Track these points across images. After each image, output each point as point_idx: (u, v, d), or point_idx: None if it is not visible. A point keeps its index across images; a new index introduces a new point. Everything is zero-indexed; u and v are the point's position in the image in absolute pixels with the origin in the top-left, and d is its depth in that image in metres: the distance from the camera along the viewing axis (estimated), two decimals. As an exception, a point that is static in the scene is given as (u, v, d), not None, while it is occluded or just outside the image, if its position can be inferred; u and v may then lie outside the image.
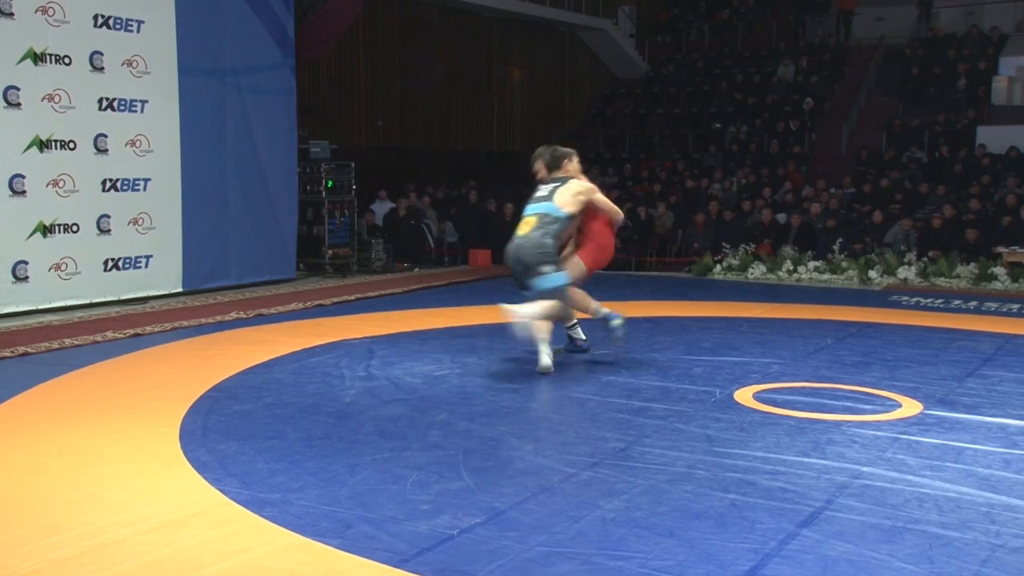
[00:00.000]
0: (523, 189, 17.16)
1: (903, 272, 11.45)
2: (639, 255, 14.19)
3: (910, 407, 5.19)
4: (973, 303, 9.71)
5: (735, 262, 12.53)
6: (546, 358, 5.94)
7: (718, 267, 12.59)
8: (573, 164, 6.46)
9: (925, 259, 11.77)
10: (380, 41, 16.84)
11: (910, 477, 3.94)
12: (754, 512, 3.51)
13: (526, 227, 6.14)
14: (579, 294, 6.33)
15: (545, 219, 6.08)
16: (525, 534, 3.28)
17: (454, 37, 18.08)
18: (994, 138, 16.08)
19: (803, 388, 5.70)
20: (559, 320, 6.35)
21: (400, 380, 5.81)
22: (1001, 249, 11.48)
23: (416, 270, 12.44)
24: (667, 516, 3.48)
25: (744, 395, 5.45)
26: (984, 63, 18.37)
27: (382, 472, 3.98)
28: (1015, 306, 9.46)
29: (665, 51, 22.79)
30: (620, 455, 4.26)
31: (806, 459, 4.20)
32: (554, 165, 6.45)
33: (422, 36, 17.57)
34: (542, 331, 5.97)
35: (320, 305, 9.07)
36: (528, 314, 5.86)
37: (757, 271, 12.30)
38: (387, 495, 3.69)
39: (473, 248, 13.57)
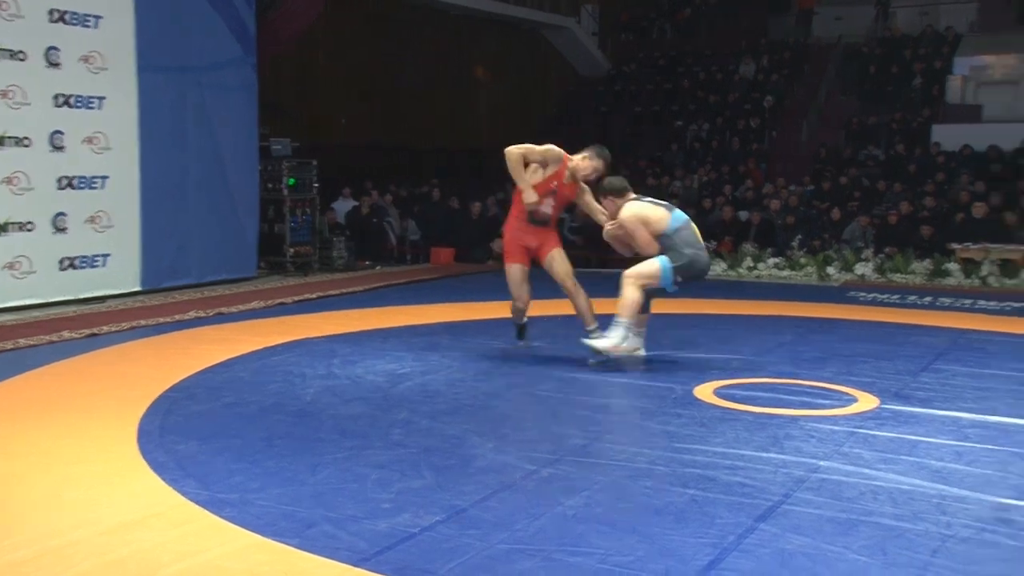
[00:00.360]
0: (490, 187, 17.23)
1: (860, 268, 11.60)
2: (600, 252, 14.23)
3: (866, 401, 5.27)
4: (928, 298, 9.87)
5: (697, 259, 12.60)
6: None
7: (680, 264, 12.65)
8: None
9: (882, 255, 11.94)
10: (344, 38, 16.75)
11: (865, 470, 4.00)
12: (713, 507, 3.55)
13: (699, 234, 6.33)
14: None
15: None
16: (486, 531, 3.29)
17: (419, 35, 18.02)
18: (948, 136, 16.33)
19: (762, 384, 5.76)
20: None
21: (362, 378, 5.79)
22: (955, 245, 11.67)
23: (378, 268, 12.41)
24: (627, 512, 3.50)
25: (704, 391, 5.50)
26: (939, 62, 18.64)
27: (343, 471, 3.97)
28: (968, 301, 9.63)
29: (628, 49, 22.87)
30: (581, 452, 4.28)
31: (765, 454, 4.25)
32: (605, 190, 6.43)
33: (386, 34, 17.50)
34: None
35: (281, 304, 9.02)
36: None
37: (718, 268, 12.39)
38: (348, 494, 3.68)
39: (435, 246, 13.56)
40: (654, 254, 6.17)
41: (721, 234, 13.35)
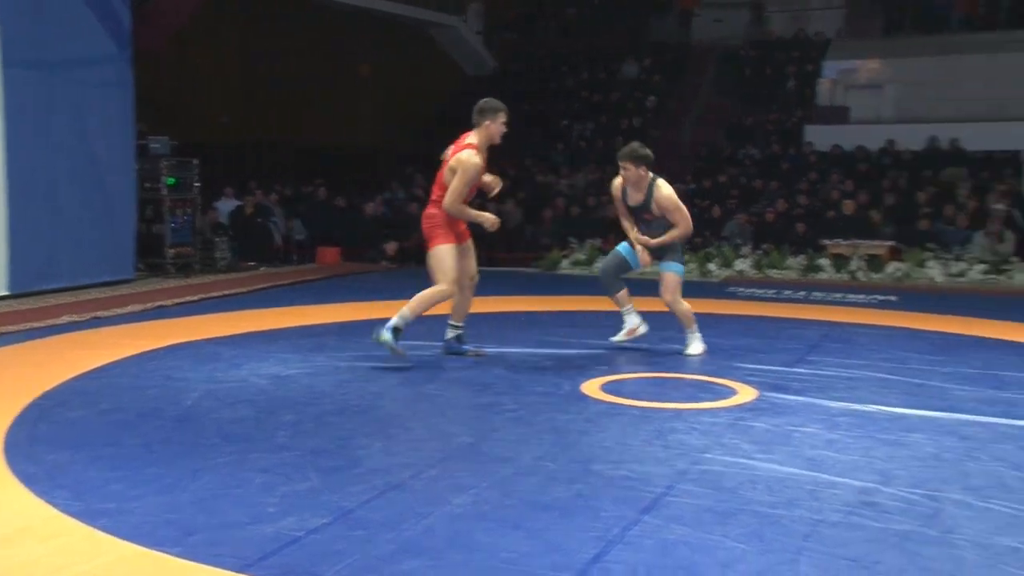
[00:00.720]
0: (378, 185, 17.06)
1: (739, 264, 11.97)
2: (488, 250, 14.28)
3: (746, 393, 5.43)
4: (802, 293, 10.26)
5: (582, 256, 12.81)
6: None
7: (565, 261, 12.84)
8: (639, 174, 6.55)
9: (759, 252, 12.34)
10: (226, 35, 16.37)
11: (744, 460, 4.13)
12: (599, 501, 3.60)
13: None
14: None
15: None
16: (373, 532, 3.26)
17: (303, 32, 17.72)
18: (820, 136, 17.02)
19: (647, 378, 5.88)
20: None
21: (246, 381, 5.67)
22: (826, 241, 12.16)
23: (263, 269, 12.16)
24: (514, 509, 3.53)
25: (591, 387, 5.58)
26: (810, 66, 19.37)
27: (226, 476, 3.87)
28: (838, 295, 10.05)
29: (514, 48, 23.01)
30: (469, 450, 4.28)
31: (649, 447, 4.33)
32: (641, 160, 6.51)
33: (270, 31, 17.16)
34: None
35: (161, 306, 8.75)
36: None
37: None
38: (231, 499, 3.59)
39: (322, 246, 13.37)
40: (679, 240, 6.53)
41: (605, 232, 13.54)
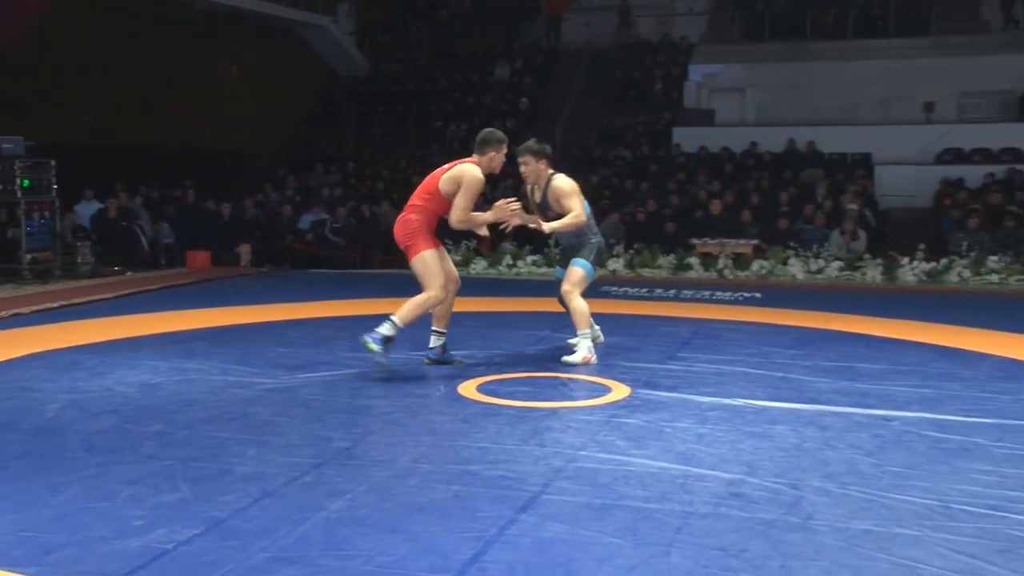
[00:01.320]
0: (249, 188, 16.63)
1: (612, 264, 12.18)
2: (364, 253, 14.15)
3: (619, 391, 5.54)
4: (672, 291, 10.52)
5: (457, 258, 12.79)
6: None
7: (442, 263, 12.79)
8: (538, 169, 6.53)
9: (632, 251, 12.60)
10: (86, 33, 15.68)
11: (618, 457, 4.21)
12: (476, 501, 3.61)
13: None
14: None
15: None
16: (247, 541, 3.19)
17: (167, 30, 17.14)
18: (687, 138, 17.52)
19: (524, 378, 5.93)
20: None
21: (111, 390, 5.45)
22: (695, 241, 12.51)
23: (128, 274, 11.70)
24: (391, 512, 3.50)
25: (468, 388, 5.59)
26: (677, 69, 19.93)
27: (90, 490, 3.71)
28: (707, 292, 10.36)
29: (386, 50, 22.85)
30: (345, 454, 4.23)
31: (525, 447, 4.37)
32: (540, 153, 6.50)
33: (132, 28, 16.54)
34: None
35: (18, 314, 8.32)
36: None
37: (479, 266, 12.64)
38: (95, 514, 3.45)
39: (191, 250, 12.97)
40: (582, 221, 6.31)
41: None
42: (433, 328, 6.31)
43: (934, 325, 8.15)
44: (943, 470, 4.03)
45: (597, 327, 6.74)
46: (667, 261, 12.29)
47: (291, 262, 13.81)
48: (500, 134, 6.17)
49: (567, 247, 6.69)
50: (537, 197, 6.56)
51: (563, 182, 6.43)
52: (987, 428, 4.71)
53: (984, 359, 6.63)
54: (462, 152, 19.44)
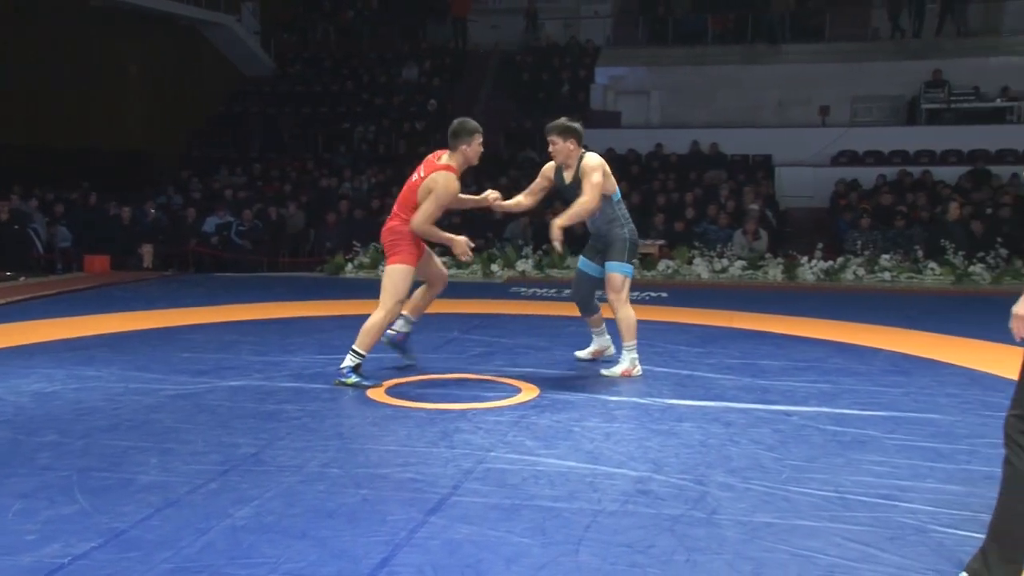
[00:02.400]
0: (144, 190, 16.16)
1: (521, 265, 12.25)
2: (271, 256, 13.93)
3: (529, 391, 5.56)
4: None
5: (366, 260, 12.71)
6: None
7: (350, 265, 12.71)
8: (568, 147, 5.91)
9: (540, 252, 12.68)
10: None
11: (528, 457, 4.23)
12: (385, 505, 3.58)
13: None
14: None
15: None
16: (148, 552, 3.10)
17: (64, 27, 16.57)
18: (595, 140, 17.53)
19: (433, 380, 5.90)
20: None
21: (2, 400, 5.24)
22: (603, 241, 12.63)
23: (22, 279, 11.28)
24: (299, 518, 3.45)
25: (377, 391, 5.54)
26: (583, 72, 20.13)
27: (-20, 505, 3.56)
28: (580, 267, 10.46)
29: (292, 49, 22.53)
30: (252, 460, 4.15)
31: (435, 449, 4.35)
32: (568, 133, 5.90)
33: (26, 24, 15.93)
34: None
35: (-97, 322, 7.93)
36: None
37: (389, 268, 12.53)
38: (-14, 530, 3.31)
39: (89, 254, 12.57)
40: (592, 207, 5.71)
41: (391, 235, 13.49)
42: (402, 313, 6.02)
43: (832, 322, 8.41)
44: (840, 462, 4.16)
45: (608, 337, 6.38)
46: (575, 262, 12.39)
47: (195, 266, 13.51)
48: (471, 123, 5.84)
49: (596, 236, 6.00)
50: (567, 178, 5.96)
51: (592, 159, 5.81)
52: (880, 421, 4.89)
53: (877, 354, 6.88)
54: (371, 155, 19.28)
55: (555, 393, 5.52)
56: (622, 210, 5.90)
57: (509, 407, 5.20)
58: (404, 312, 6.03)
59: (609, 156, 17.10)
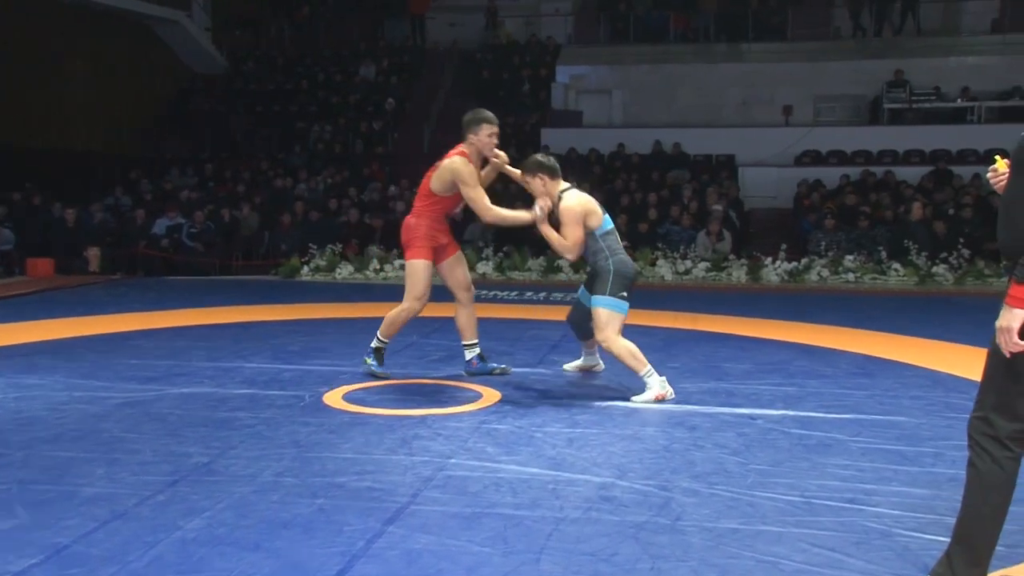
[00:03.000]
0: (91, 191, 15.92)
1: (482, 267, 12.22)
2: (223, 258, 13.78)
3: (490, 396, 5.54)
4: (543, 294, 10.64)
5: (323, 263, 12.63)
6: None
7: (306, 268, 12.61)
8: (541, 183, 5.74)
9: (501, 254, 12.67)
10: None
11: (489, 464, 4.20)
12: (342, 514, 3.54)
13: None
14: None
15: None
16: (92, 568, 3.03)
17: (5, 22, 16.25)
18: (556, 139, 17.73)
19: (392, 386, 5.87)
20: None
21: (-59, 411, 5.11)
22: (565, 243, 12.65)
23: (-38, 283, 11.06)
24: (253, 529, 3.40)
25: (334, 397, 5.49)
26: (544, 70, 20.16)
27: (-85, 521, 3.47)
28: (576, 295, 10.48)
29: (245, 47, 22.33)
30: (203, 470, 4.09)
31: (394, 456, 4.32)
32: (533, 168, 5.75)
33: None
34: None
35: None
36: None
37: (345, 271, 12.49)
38: (-78, 547, 3.22)
39: (32, 257, 12.35)
40: (570, 257, 5.70)
41: (347, 237, 13.43)
42: (463, 344, 6.16)
43: (796, 324, 8.49)
44: (805, 466, 4.19)
45: (596, 359, 6.26)
46: (537, 264, 12.40)
47: (144, 269, 13.33)
48: (482, 112, 5.80)
49: (591, 266, 5.85)
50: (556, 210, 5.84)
51: (567, 203, 5.64)
52: (845, 424, 4.93)
53: (842, 356, 6.95)
54: (327, 155, 19.18)
55: (517, 398, 5.50)
56: (607, 242, 5.69)
57: (469, 413, 5.17)
58: (463, 343, 6.16)
59: (570, 156, 17.20)
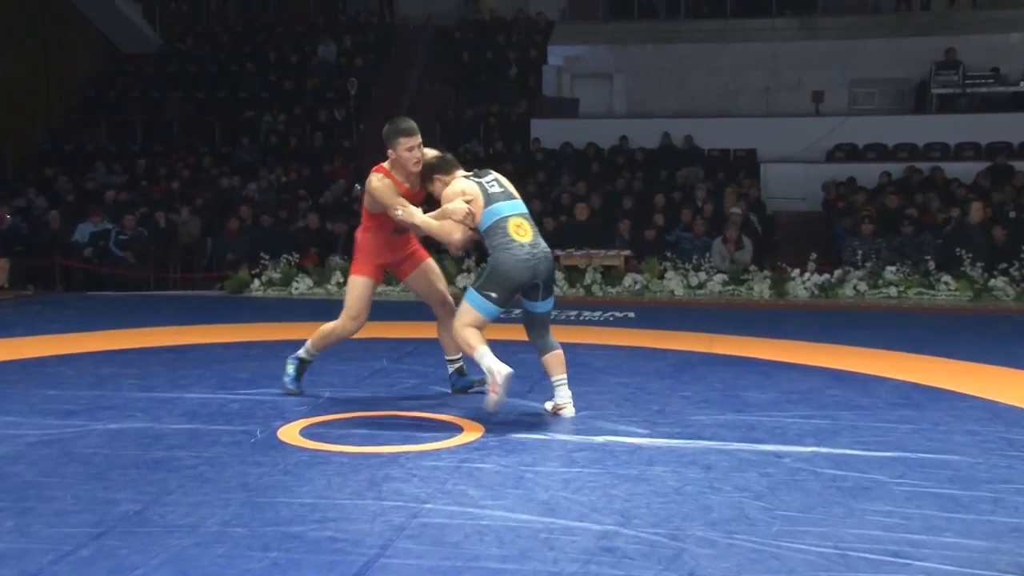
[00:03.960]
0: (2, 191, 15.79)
1: (463, 281, 12.25)
2: (159, 270, 13.78)
3: (472, 430, 5.56)
4: (533, 312, 10.63)
5: (276, 275, 12.64)
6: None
7: (256, 282, 12.62)
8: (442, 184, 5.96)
9: (485, 264, 12.69)
10: None
11: (471, 509, 4.22)
12: (299, 570, 3.55)
13: (527, 231, 5.82)
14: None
15: (532, 222, 5.95)
16: (6, 637, 3.03)
17: None
18: (548, 131, 17.79)
19: (358, 418, 5.88)
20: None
21: None
22: (558, 252, 12.70)
23: None
24: (194, 589, 3.41)
25: (290, 432, 5.50)
26: (534, 51, 20.21)
27: None
28: (572, 313, 10.53)
29: (182, 21, 22.36)
30: (134, 520, 4.09)
31: (360, 501, 4.33)
32: (426, 174, 5.99)
33: None
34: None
35: None
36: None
37: (303, 285, 12.51)
38: None
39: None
40: (456, 245, 5.98)
41: (306, 245, 13.45)
42: (447, 359, 6.52)
43: (828, 346, 8.53)
44: (839, 512, 4.21)
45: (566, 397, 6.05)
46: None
47: (64, 283, 13.31)
48: (399, 123, 5.98)
49: None
50: None
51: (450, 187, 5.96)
52: (887, 463, 4.96)
53: (882, 384, 6.98)
54: (281, 149, 19.14)
55: (503, 433, 5.52)
56: (491, 238, 5.80)
57: (448, 449, 5.18)
58: (447, 358, 6.50)
59: (564, 151, 17.26)
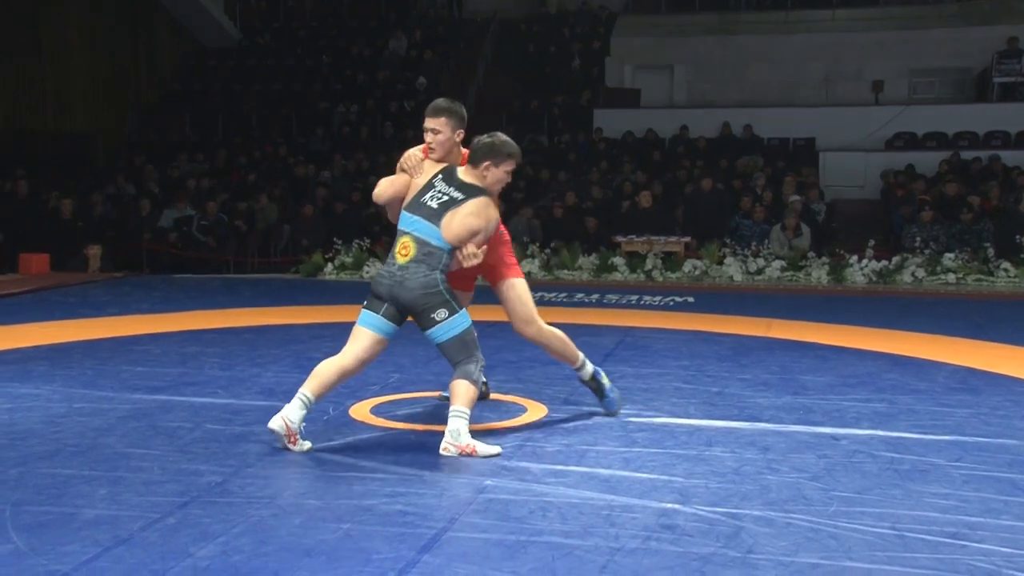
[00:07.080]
0: (90, 179, 16.14)
1: (526, 265, 12.26)
2: (238, 255, 13.96)
3: (535, 411, 5.57)
4: (595, 295, 10.65)
5: (348, 260, 12.74)
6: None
7: (329, 266, 12.73)
8: (496, 172, 5.29)
9: (548, 251, 12.69)
10: None
11: (534, 486, 4.23)
12: (370, 541, 3.58)
13: (405, 253, 4.92)
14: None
15: (426, 248, 4.90)
16: (96, 599, 3.10)
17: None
18: (610, 121, 17.73)
19: (424, 398, 5.91)
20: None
21: (-72, 422, 5.25)
22: (619, 238, 12.67)
23: (-51, 281, 11.32)
24: (272, 557, 3.45)
25: (361, 410, 5.55)
26: (597, 43, 20.13)
27: (-101, 544, 3.56)
28: (633, 297, 10.51)
29: (260, 17, 22.57)
30: (216, 491, 4.15)
31: (428, 476, 4.36)
32: (474, 156, 5.30)
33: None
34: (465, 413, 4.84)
35: None
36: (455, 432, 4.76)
37: (374, 269, 12.58)
38: (-94, 572, 3.31)
39: (25, 252, 12.59)
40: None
41: (378, 231, 13.54)
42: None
43: (886, 331, 8.41)
44: (896, 494, 4.15)
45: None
46: (588, 262, 12.42)
47: (150, 266, 13.54)
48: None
49: None
50: None
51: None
52: (944, 446, 4.88)
53: (940, 369, 6.87)
54: (353, 139, 19.24)
55: (566, 413, 5.52)
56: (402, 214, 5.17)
57: (512, 429, 5.20)
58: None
59: (626, 140, 17.18)
